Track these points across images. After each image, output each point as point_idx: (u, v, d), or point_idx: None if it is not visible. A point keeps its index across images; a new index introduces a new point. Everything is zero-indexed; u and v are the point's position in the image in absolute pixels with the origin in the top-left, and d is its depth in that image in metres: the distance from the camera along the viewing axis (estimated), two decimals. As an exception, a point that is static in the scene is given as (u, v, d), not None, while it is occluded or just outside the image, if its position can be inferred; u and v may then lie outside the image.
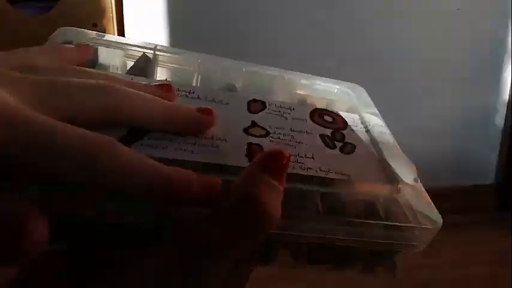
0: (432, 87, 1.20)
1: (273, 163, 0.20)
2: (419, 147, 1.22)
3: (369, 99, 0.34)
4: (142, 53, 0.30)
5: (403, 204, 0.25)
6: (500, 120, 1.28)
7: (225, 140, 0.25)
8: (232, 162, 0.23)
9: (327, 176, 0.25)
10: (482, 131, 1.28)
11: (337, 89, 0.34)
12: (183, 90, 0.27)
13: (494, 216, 1.25)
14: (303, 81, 0.34)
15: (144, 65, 0.30)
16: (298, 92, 0.33)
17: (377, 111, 0.32)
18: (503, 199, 1.27)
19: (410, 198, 0.25)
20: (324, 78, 0.35)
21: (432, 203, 0.26)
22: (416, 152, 1.32)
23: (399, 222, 0.24)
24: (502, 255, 1.11)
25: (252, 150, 0.25)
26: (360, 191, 0.25)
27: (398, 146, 0.29)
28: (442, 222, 0.24)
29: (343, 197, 0.24)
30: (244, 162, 0.24)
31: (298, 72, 0.34)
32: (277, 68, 0.33)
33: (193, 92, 0.28)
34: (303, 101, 0.32)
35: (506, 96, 1.26)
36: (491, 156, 1.30)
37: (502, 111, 1.27)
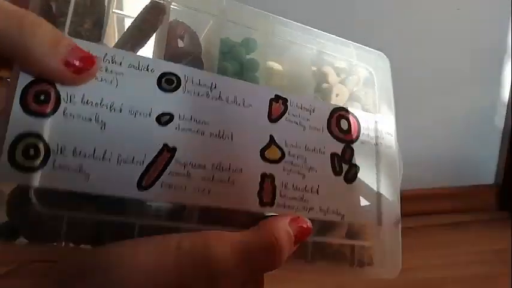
0: (432, 87, 1.20)
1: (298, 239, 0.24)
2: (419, 147, 1.22)
3: (389, 82, 0.34)
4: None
5: (376, 249, 0.27)
6: (500, 120, 1.28)
7: (241, 170, 0.25)
8: (245, 206, 0.25)
9: (324, 218, 0.26)
10: (482, 131, 1.28)
11: (361, 66, 0.33)
12: (205, 85, 0.25)
13: (494, 216, 1.25)
14: (326, 47, 0.32)
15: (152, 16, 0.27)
16: (318, 64, 0.31)
17: (392, 104, 0.33)
18: (503, 199, 1.27)
19: (384, 242, 0.27)
20: (349, 42, 0.33)
21: (400, 250, 0.28)
22: (416, 152, 1.32)
23: (367, 265, 0.27)
24: (502, 255, 1.11)
25: (264, 186, 0.25)
26: (344, 240, 0.27)
27: (397, 167, 0.30)
28: (399, 270, 0.27)
29: (330, 245, 0.27)
30: (255, 205, 0.25)
31: (322, 33, 0.32)
32: (300, 25, 0.31)
33: (216, 87, 0.26)
34: (323, 76, 0.31)
35: (506, 97, 1.26)
36: (491, 156, 1.30)
37: (502, 111, 1.27)
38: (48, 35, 0.22)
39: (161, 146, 0.24)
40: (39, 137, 0.22)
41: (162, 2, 0.26)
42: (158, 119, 0.24)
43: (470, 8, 1.19)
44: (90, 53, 0.23)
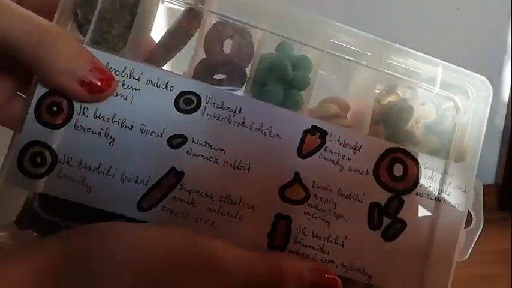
0: (432, 87, 1.20)
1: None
2: (419, 147, 1.22)
3: (483, 119, 0.25)
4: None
5: None
6: (500, 120, 1.28)
7: (253, 207, 0.23)
8: (251, 246, 0.22)
9: (346, 275, 0.23)
10: (482, 131, 1.28)
11: (446, 93, 0.26)
12: (228, 108, 0.24)
13: (494, 216, 1.25)
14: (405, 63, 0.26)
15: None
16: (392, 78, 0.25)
17: (478, 151, 0.25)
18: (503, 199, 1.27)
19: None
20: (435, 60, 0.26)
21: None
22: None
23: None
24: (502, 255, 1.11)
25: (277, 228, 0.23)
26: None
27: (459, 232, 0.24)
28: None
29: None
30: (263, 246, 0.23)
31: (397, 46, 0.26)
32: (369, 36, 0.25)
33: (240, 112, 0.24)
34: (389, 93, 0.26)
35: (506, 97, 1.26)
36: (491, 156, 1.30)
37: (502, 111, 1.27)
38: (67, 51, 0.22)
39: (168, 168, 0.23)
40: (46, 146, 0.22)
41: (199, 7, 0.24)
42: (170, 141, 0.23)
43: (470, 7, 1.19)
44: (109, 68, 0.23)
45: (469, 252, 0.26)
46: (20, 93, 0.24)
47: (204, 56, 0.25)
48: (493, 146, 1.30)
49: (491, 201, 1.28)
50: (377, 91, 0.26)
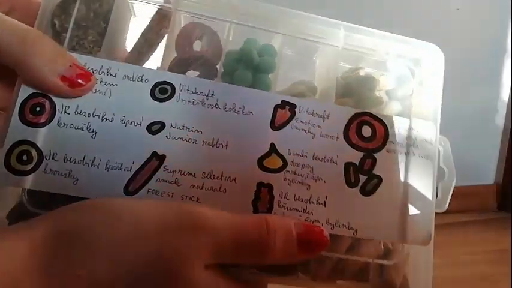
0: (432, 87, 1.20)
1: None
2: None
3: (439, 79, 0.29)
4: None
5: (398, 268, 0.25)
6: (500, 120, 1.28)
7: (235, 179, 0.25)
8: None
9: (332, 232, 0.25)
10: (482, 131, 1.28)
11: (402, 62, 0.29)
12: (201, 93, 0.26)
13: (494, 216, 1.25)
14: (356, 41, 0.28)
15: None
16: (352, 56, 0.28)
17: (439, 107, 0.28)
18: (503, 199, 1.27)
19: (408, 262, 0.25)
20: (387, 34, 0.28)
21: (430, 272, 0.25)
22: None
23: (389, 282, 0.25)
24: (502, 255, 1.11)
25: (261, 196, 0.25)
26: (356, 256, 0.25)
27: (433, 179, 0.26)
28: None
29: (337, 261, 0.25)
30: (249, 212, 0.24)
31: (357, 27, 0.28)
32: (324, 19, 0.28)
33: (213, 95, 0.26)
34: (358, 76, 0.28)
35: (506, 96, 1.26)
36: (491, 156, 1.30)
37: (502, 111, 1.27)
38: (47, 51, 0.23)
39: (150, 153, 0.24)
40: (32, 144, 0.24)
41: (167, 8, 0.26)
42: (149, 128, 0.25)
43: (470, 8, 1.19)
44: (87, 68, 0.25)
45: (447, 204, 0.28)
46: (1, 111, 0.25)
47: (176, 55, 0.27)
48: (493, 146, 1.30)
49: (491, 201, 1.28)
50: (342, 67, 0.29)
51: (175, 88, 0.25)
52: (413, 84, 0.28)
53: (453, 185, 0.29)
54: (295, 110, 0.26)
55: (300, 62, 0.30)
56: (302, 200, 0.25)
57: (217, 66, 0.27)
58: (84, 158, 0.24)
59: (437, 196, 0.27)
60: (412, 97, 0.28)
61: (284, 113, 0.26)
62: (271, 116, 0.26)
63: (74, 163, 0.24)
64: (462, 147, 1.35)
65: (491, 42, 1.24)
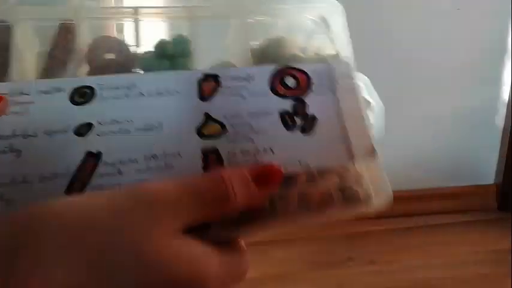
0: (432, 87, 1.20)
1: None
2: (419, 147, 1.22)
3: (345, 30, 0.32)
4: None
5: (356, 181, 0.26)
6: (500, 120, 1.28)
7: (179, 153, 0.25)
8: None
9: (286, 172, 0.26)
10: (482, 131, 1.28)
11: (311, 19, 0.33)
12: (122, 87, 0.26)
13: (494, 216, 1.25)
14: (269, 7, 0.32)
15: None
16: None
17: (350, 45, 0.31)
18: (503, 199, 1.27)
19: (363, 174, 0.27)
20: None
21: (385, 178, 0.27)
22: (416, 152, 1.32)
23: (354, 203, 0.26)
24: (502, 255, 1.11)
25: (209, 161, 0.25)
26: (315, 185, 0.26)
27: (360, 103, 0.29)
28: (391, 197, 0.26)
29: (297, 193, 0.26)
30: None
31: None
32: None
33: (135, 86, 0.26)
34: (278, 43, 0.31)
35: (506, 96, 1.26)
36: (491, 156, 1.30)
37: (502, 111, 1.27)
38: None
39: (84, 154, 0.25)
40: None
41: (69, 22, 0.27)
42: (77, 132, 0.25)
43: (470, 8, 1.19)
44: None
45: (383, 128, 0.32)
46: None
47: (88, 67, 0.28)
48: (493, 146, 1.30)
49: (491, 201, 1.28)
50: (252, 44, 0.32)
51: (94, 89, 0.26)
52: (322, 36, 0.31)
53: (382, 113, 0.32)
54: (219, 79, 0.27)
55: (213, 44, 0.32)
56: (250, 154, 0.26)
57: (132, 70, 0.28)
58: (12, 180, 0.24)
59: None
60: (325, 47, 0.31)
61: (209, 85, 0.27)
62: (197, 89, 0.27)
63: (4, 186, 0.24)
64: (462, 147, 1.36)
65: (491, 42, 1.23)
